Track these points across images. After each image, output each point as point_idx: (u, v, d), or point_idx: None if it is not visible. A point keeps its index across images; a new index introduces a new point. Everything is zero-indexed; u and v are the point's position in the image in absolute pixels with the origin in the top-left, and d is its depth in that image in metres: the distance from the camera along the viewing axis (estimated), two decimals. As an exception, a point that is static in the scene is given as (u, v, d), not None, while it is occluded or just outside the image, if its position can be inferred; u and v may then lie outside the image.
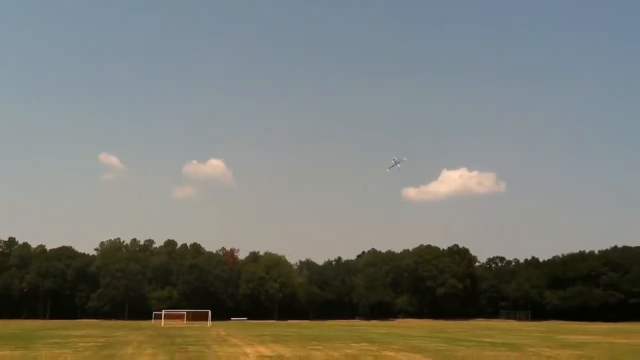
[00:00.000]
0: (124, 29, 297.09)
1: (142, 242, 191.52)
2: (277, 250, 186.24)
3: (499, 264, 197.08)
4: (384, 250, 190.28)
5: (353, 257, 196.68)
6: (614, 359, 29.68)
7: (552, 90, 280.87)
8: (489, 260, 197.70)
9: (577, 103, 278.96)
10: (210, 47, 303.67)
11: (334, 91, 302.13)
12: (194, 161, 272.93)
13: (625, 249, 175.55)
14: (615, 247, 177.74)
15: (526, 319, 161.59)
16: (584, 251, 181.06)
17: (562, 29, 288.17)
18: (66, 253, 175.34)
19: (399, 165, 71.28)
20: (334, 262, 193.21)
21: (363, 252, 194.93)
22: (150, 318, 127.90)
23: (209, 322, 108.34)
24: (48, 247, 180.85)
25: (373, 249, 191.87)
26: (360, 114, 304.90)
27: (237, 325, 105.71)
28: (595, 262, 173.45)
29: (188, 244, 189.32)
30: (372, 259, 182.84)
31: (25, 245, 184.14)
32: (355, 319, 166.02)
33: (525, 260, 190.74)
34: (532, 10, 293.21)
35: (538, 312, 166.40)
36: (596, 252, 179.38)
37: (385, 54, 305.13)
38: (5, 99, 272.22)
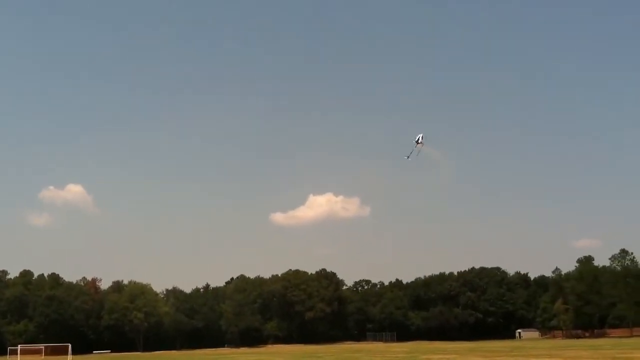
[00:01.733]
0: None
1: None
2: (142, 279, 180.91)
3: (365, 287, 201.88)
4: (252, 276, 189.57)
5: (222, 283, 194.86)
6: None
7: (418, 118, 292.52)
8: (356, 283, 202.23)
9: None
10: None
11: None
12: (51, 187, 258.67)
13: (482, 270, 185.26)
14: (473, 268, 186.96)
15: (392, 340, 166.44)
16: (444, 272, 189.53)
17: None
18: None
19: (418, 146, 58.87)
20: (202, 290, 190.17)
21: (232, 279, 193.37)
22: (5, 354, 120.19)
23: (69, 357, 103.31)
24: None
25: (242, 275, 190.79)
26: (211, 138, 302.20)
27: (99, 359, 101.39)
28: (455, 282, 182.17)
29: (46, 274, 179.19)
30: (241, 285, 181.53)
31: None
32: (224, 346, 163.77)
33: (390, 282, 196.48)
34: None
35: (403, 333, 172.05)
36: (455, 273, 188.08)
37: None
38: None
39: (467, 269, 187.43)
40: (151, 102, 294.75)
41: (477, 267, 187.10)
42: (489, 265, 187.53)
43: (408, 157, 62.25)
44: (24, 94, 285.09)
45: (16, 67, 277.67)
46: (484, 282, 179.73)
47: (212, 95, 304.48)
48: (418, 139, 61.56)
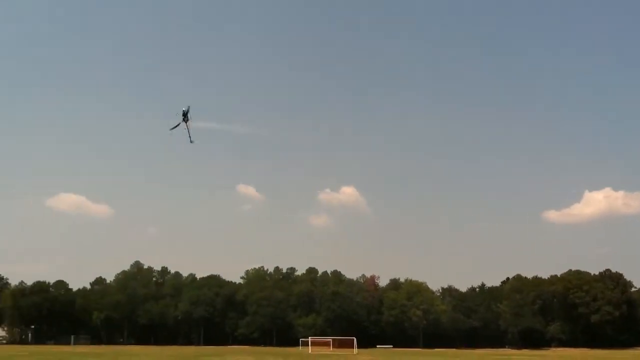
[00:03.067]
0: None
1: (284, 270, 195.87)
2: (417, 277, 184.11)
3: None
4: (529, 276, 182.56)
5: (497, 283, 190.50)
6: None
7: None
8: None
9: None
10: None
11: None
12: (327, 190, 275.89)
13: None
14: None
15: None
16: None
17: None
18: (214, 282, 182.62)
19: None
20: (477, 289, 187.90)
21: (507, 278, 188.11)
22: (297, 345, 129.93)
23: (355, 350, 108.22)
24: (198, 276, 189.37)
25: (518, 274, 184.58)
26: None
27: (383, 352, 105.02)
28: None
29: (329, 272, 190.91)
30: (518, 285, 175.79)
31: (177, 274, 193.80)
32: (504, 347, 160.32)
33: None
34: None
35: None
36: None
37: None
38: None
39: None
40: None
41: None
42: None
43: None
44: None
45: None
46: None
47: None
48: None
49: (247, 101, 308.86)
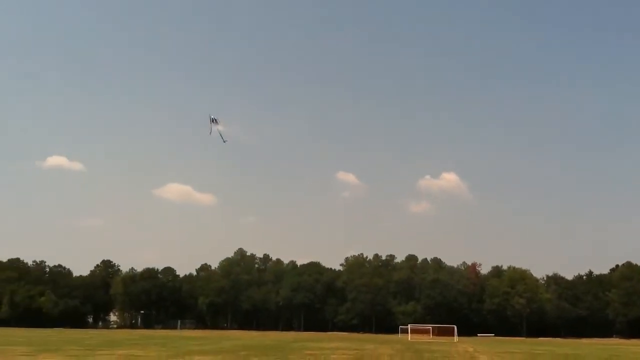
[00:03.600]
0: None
1: (383, 257, 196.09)
2: (520, 264, 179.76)
3: None
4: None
5: (605, 271, 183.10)
6: None
7: None
8: None
9: None
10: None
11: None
12: (427, 176, 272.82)
13: None
14: None
15: None
16: None
17: None
18: (315, 268, 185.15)
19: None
20: (584, 277, 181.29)
21: (617, 266, 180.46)
22: (397, 332, 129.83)
23: (455, 338, 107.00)
24: (298, 263, 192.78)
25: (629, 262, 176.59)
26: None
27: (484, 341, 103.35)
28: None
29: (428, 259, 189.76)
30: (629, 273, 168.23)
31: (279, 261, 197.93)
32: (612, 337, 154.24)
33: None
34: None
35: None
36: None
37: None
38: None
39: None
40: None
41: None
42: None
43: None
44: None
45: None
46: None
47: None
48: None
49: (335, 84, 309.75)
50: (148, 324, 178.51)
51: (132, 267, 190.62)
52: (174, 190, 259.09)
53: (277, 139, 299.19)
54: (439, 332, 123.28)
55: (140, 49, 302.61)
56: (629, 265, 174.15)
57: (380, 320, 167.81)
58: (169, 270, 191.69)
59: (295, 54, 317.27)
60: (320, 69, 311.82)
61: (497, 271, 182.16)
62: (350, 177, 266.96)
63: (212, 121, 53.79)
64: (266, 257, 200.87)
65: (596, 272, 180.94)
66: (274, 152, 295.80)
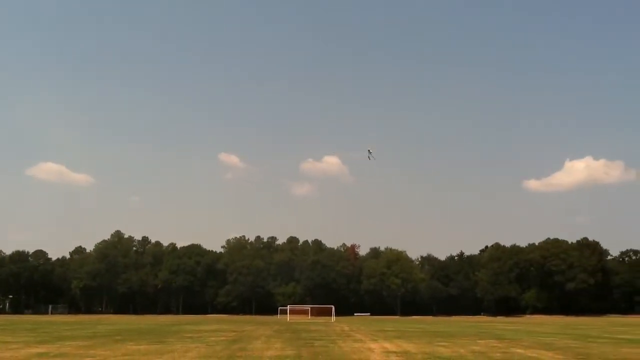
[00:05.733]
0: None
1: (265, 239, 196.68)
2: (397, 245, 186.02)
3: (633, 257, 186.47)
4: (508, 244, 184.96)
5: (476, 251, 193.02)
6: None
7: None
8: (622, 253, 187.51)
9: None
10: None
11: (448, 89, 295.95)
12: (310, 159, 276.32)
13: None
14: None
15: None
16: None
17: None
18: (195, 250, 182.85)
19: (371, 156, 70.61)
20: (456, 257, 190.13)
21: (486, 247, 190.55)
22: (276, 313, 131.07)
23: (333, 318, 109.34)
24: (179, 245, 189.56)
25: (497, 243, 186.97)
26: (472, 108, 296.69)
27: (360, 320, 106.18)
28: None
29: (309, 241, 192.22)
30: (496, 254, 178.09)
31: (158, 243, 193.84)
32: (480, 315, 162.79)
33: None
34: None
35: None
36: None
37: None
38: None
39: None
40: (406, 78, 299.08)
41: None
42: None
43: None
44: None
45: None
46: None
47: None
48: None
49: (215, 63, 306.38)
50: (17, 309, 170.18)
51: (1, 250, 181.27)
52: (48, 170, 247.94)
53: (158, 118, 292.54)
54: (318, 313, 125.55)
55: None
56: (497, 246, 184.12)
57: (260, 302, 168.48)
58: (40, 253, 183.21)
59: (166, 30, 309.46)
60: (199, 50, 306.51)
61: (375, 252, 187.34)
62: (233, 159, 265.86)
63: (370, 154, 75.40)
64: (145, 240, 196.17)
65: (468, 253, 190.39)
66: (157, 131, 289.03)
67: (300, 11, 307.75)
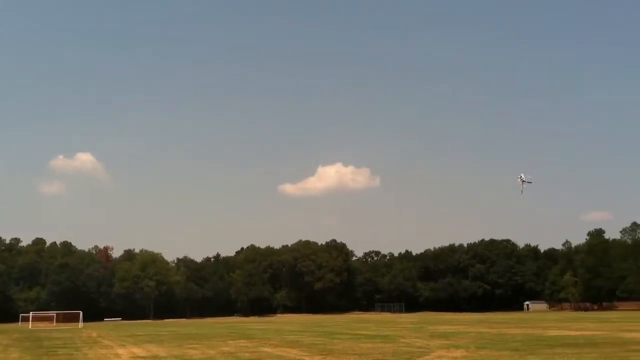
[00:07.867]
0: None
1: (7, 241, 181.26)
2: (153, 248, 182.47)
3: (375, 258, 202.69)
4: (263, 246, 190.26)
5: (232, 253, 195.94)
6: (480, 348, 31.10)
7: (431, 88, 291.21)
8: (365, 254, 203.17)
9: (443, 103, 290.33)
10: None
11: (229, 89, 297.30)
12: (60, 156, 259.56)
13: (492, 242, 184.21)
14: (483, 240, 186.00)
15: (400, 310, 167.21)
16: (453, 244, 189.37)
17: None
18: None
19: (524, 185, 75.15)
20: (212, 259, 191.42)
21: (242, 249, 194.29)
22: (17, 320, 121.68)
23: (80, 324, 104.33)
24: None
25: (252, 245, 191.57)
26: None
27: (110, 326, 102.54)
28: (464, 254, 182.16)
29: (58, 242, 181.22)
30: (251, 255, 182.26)
31: None
32: (233, 315, 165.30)
33: (400, 253, 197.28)
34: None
35: (411, 304, 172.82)
36: (465, 245, 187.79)
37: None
38: None
39: (476, 241, 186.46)
40: (163, 72, 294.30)
41: (486, 239, 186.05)
42: (498, 237, 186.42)
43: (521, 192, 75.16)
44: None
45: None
46: (493, 254, 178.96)
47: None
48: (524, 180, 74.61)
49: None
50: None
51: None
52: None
53: None
54: (64, 319, 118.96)
55: None
56: (252, 248, 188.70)
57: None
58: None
59: None
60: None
61: (129, 255, 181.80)
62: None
63: (522, 181, 74.23)
64: None
65: (223, 254, 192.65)
66: None
67: None
